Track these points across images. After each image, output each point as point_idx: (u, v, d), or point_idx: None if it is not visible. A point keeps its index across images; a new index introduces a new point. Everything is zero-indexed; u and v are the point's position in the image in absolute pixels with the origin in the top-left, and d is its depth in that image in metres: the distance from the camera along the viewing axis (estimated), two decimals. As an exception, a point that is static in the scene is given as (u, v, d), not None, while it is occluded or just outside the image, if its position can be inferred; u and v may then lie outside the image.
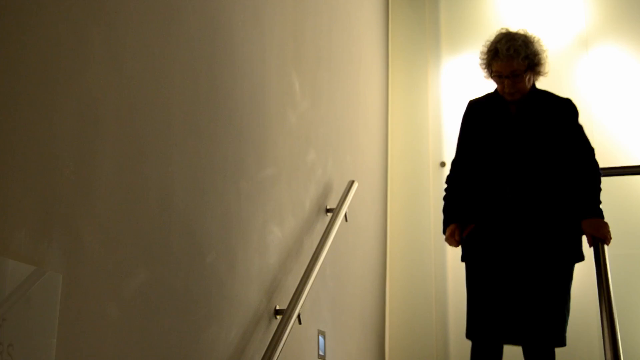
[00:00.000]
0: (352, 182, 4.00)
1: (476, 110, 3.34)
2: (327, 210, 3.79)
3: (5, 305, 1.51)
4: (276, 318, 2.97)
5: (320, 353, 3.55)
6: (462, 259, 3.26)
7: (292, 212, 3.31)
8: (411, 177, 5.36)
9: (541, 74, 3.24)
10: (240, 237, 2.74)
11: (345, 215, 3.81)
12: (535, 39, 3.20)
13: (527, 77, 3.18)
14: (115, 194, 1.93)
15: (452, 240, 3.28)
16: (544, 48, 3.22)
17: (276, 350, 2.69)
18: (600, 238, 3.11)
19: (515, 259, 3.10)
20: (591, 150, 3.22)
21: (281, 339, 2.75)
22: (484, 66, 3.27)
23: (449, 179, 3.39)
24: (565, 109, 3.23)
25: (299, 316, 2.96)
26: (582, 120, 3.27)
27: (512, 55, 3.11)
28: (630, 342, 4.25)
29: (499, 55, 3.14)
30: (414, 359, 4.88)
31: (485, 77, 3.31)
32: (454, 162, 3.39)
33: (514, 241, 3.10)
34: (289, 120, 3.35)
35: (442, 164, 5.25)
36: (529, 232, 3.10)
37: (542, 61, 3.20)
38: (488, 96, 3.34)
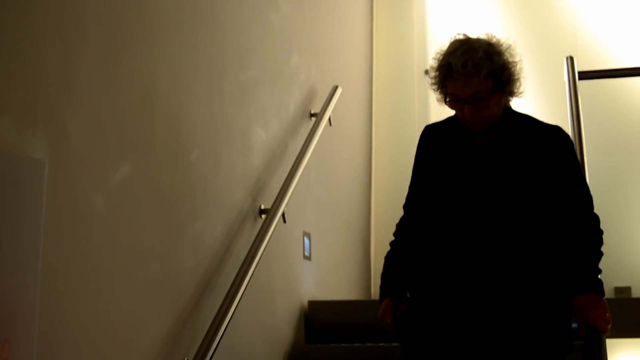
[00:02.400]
0: (336, 87, 4.02)
1: (432, 139, 2.43)
2: (312, 115, 3.82)
3: (-8, 190, 1.55)
4: (261, 217, 3.04)
5: (306, 254, 3.64)
6: (397, 340, 2.34)
7: (276, 115, 3.34)
8: (396, 83, 5.38)
9: (514, 94, 2.27)
10: (224, 137, 2.78)
11: (330, 120, 3.85)
12: (504, 47, 2.23)
13: (495, 101, 2.22)
14: (97, 86, 1.97)
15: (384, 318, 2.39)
16: (517, 57, 2.25)
17: (260, 246, 2.77)
18: (593, 324, 2.12)
19: (474, 349, 2.15)
20: (588, 201, 2.28)
21: (265, 236, 2.83)
22: (435, 87, 2.28)
23: (397, 228, 2.48)
24: (554, 141, 2.29)
25: (283, 215, 3.04)
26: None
27: (471, 73, 2.16)
28: (614, 259, 4.33)
29: (453, 73, 2.18)
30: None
31: (438, 100, 2.31)
32: (405, 206, 2.48)
33: (474, 323, 2.16)
34: (271, 24, 3.35)
35: (426, 72, 5.26)
36: (496, 313, 2.15)
37: (514, 76, 2.24)
38: (450, 119, 2.43)
